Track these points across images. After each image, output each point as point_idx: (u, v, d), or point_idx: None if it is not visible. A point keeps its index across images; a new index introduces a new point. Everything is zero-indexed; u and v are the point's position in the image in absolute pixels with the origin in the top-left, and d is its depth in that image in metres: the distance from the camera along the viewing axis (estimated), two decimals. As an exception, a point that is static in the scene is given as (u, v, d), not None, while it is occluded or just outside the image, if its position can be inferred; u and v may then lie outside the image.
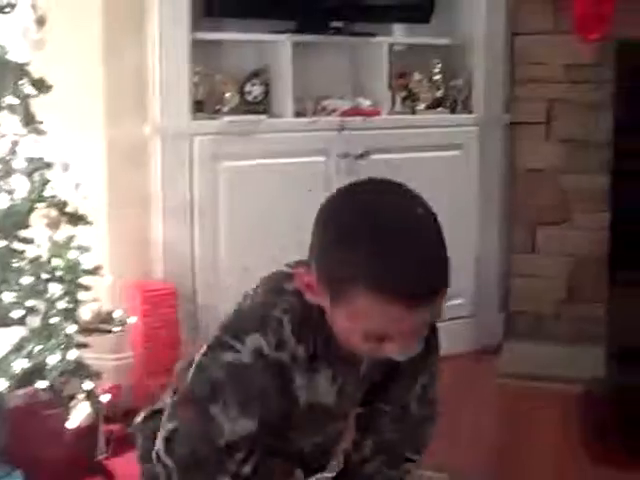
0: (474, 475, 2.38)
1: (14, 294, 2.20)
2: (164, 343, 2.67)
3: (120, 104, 2.82)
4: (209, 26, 3.00)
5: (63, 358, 2.19)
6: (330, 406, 1.48)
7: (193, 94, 2.93)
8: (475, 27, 3.43)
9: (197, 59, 2.93)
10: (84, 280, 2.34)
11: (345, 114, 3.17)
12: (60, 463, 2.21)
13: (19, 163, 2.28)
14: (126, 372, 2.73)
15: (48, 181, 2.28)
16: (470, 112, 3.43)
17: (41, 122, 2.34)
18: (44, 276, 2.25)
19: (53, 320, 2.23)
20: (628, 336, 2.73)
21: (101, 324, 2.35)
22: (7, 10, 2.30)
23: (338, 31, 3.26)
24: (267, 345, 1.35)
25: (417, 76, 3.41)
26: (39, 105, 2.36)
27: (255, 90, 3.12)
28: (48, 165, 2.32)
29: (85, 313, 2.30)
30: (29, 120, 2.33)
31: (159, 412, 1.50)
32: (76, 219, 2.34)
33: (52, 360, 2.19)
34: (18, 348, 2.17)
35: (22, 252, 2.26)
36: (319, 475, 1.62)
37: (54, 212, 2.28)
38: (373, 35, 3.31)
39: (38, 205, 2.26)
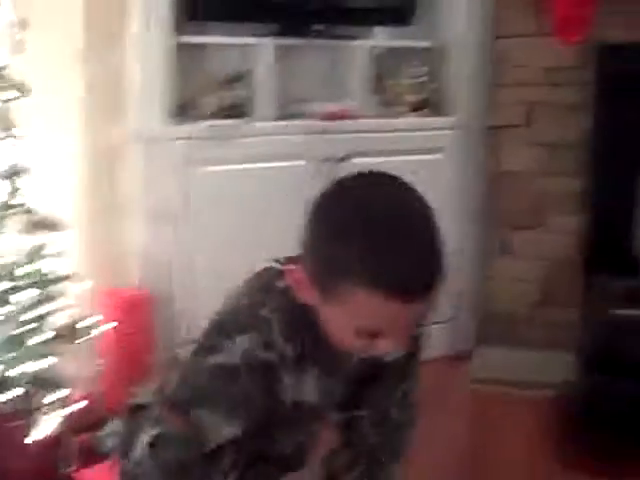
0: (446, 480, 2.41)
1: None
2: (139, 350, 2.66)
3: (99, 108, 2.81)
4: (191, 30, 3.00)
5: (33, 367, 2.18)
6: (315, 405, 1.48)
7: (174, 98, 2.93)
8: (456, 30, 3.43)
9: (179, 63, 2.93)
10: (58, 287, 2.34)
11: (326, 117, 3.18)
12: (26, 475, 2.19)
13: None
14: (98, 380, 2.68)
15: (18, 189, 2.27)
16: (451, 115, 3.44)
17: (19, 126, 2.33)
18: (15, 283, 2.24)
19: (24, 328, 2.22)
20: (601, 341, 2.73)
21: (74, 331, 2.35)
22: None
23: (320, 34, 3.26)
24: (256, 345, 1.33)
25: (399, 79, 3.42)
26: (16, 108, 2.35)
27: (237, 94, 3.13)
28: (23, 170, 2.32)
29: (58, 320, 2.31)
30: (9, 124, 2.33)
31: (143, 407, 1.48)
32: (50, 225, 2.34)
33: (21, 370, 2.17)
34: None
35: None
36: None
37: (27, 218, 2.28)
38: (354, 38, 3.31)
39: (10, 211, 2.26)
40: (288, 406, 1.43)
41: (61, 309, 2.36)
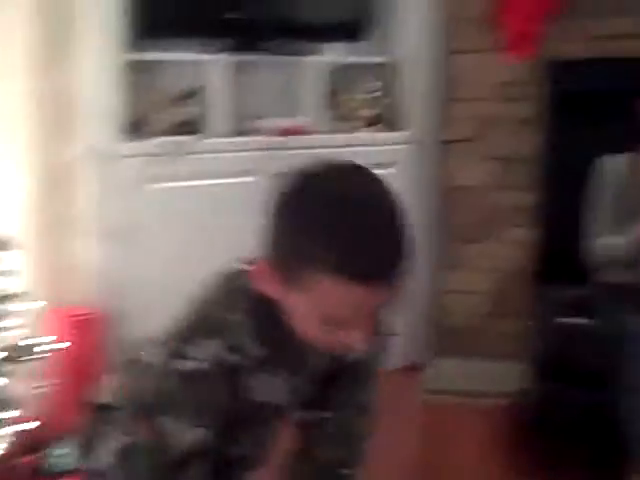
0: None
1: None
2: (90, 369, 2.63)
3: (50, 125, 2.79)
4: (145, 46, 3.00)
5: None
6: (281, 405, 1.47)
7: (127, 115, 2.93)
8: (409, 45, 3.46)
9: (132, 79, 2.93)
10: (7, 306, 2.32)
11: (280, 133, 3.19)
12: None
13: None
14: (49, 400, 2.65)
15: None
16: (405, 130, 3.46)
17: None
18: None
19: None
20: (551, 350, 2.76)
21: (24, 351, 2.33)
22: None
23: (274, 50, 3.28)
24: (222, 350, 1.32)
25: (353, 94, 3.44)
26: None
27: (190, 110, 3.13)
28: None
29: (8, 340, 2.28)
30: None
31: (106, 407, 1.46)
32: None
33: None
34: None
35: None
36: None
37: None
38: (308, 54, 3.33)
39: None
40: (254, 408, 1.42)
41: (11, 328, 2.33)
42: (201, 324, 1.36)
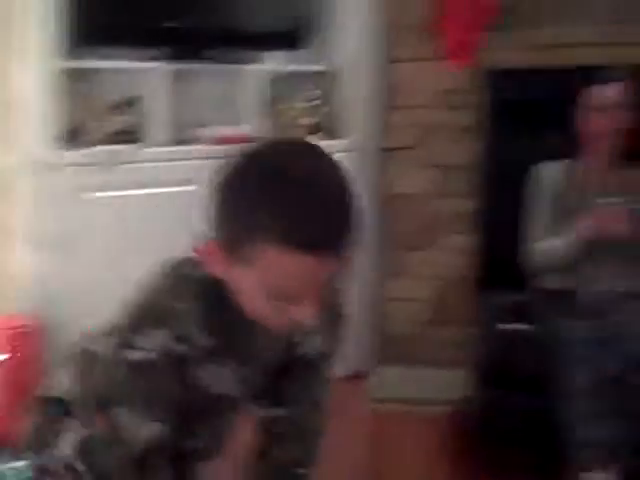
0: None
1: None
2: (28, 379, 2.58)
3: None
4: (83, 54, 2.96)
5: None
6: (233, 396, 1.46)
7: (64, 124, 2.88)
8: (349, 53, 3.47)
9: (70, 88, 2.89)
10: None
11: (220, 142, 3.17)
12: None
13: None
14: None
15: None
16: (345, 138, 3.46)
17: None
18: None
19: None
20: (492, 356, 2.78)
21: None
22: None
23: (213, 58, 3.26)
24: (170, 340, 1.30)
25: (293, 103, 3.44)
26: None
27: (129, 119, 3.10)
28: None
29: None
30: None
31: (57, 402, 1.44)
32: None
33: None
34: None
35: None
36: None
37: None
38: (248, 62, 3.32)
39: None
40: (206, 399, 1.40)
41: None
42: (149, 313, 1.34)
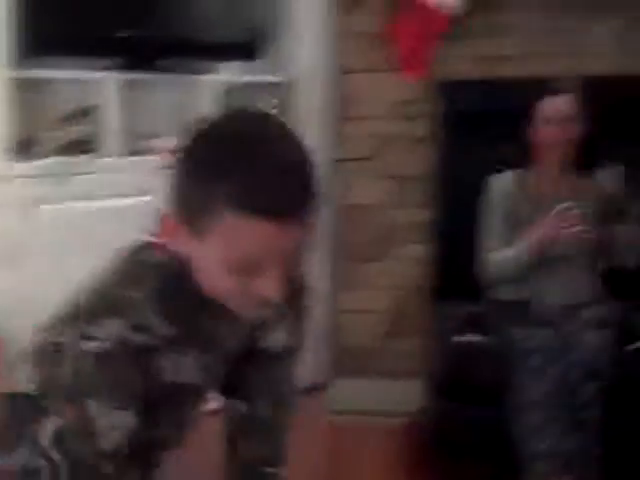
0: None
1: None
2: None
3: None
4: (35, 64, 2.92)
5: None
6: (196, 385, 1.43)
7: (15, 134, 2.84)
8: (304, 64, 3.47)
9: (21, 98, 2.85)
10: None
11: (174, 153, 3.14)
12: None
13: None
14: None
15: None
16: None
17: None
18: None
19: None
20: (447, 368, 2.79)
21: None
22: None
23: (168, 69, 3.24)
24: (125, 329, 1.26)
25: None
26: None
27: (82, 129, 3.06)
28: None
29: None
30: None
31: (23, 396, 1.40)
32: None
33: None
34: None
35: None
36: None
37: None
38: (203, 72, 3.31)
39: None
40: (170, 388, 1.37)
41: None
42: (103, 302, 1.31)
